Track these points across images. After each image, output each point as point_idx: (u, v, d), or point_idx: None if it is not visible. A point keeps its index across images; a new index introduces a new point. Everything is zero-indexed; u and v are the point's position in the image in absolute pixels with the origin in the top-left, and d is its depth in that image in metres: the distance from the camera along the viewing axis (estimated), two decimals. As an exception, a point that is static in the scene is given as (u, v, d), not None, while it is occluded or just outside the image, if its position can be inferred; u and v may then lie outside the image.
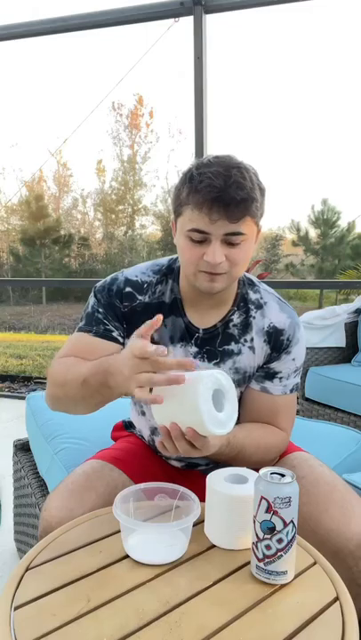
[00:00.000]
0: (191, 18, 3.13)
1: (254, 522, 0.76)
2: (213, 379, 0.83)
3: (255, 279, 1.12)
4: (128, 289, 1.06)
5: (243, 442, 0.98)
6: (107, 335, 1.06)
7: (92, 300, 1.09)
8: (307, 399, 2.69)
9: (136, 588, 0.74)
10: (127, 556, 0.81)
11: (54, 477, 1.40)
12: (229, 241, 0.93)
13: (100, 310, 1.07)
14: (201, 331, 1.06)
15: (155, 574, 0.77)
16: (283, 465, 1.08)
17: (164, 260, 1.11)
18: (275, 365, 1.07)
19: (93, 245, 28.25)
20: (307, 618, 0.69)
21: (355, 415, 2.48)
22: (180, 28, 3.21)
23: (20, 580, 0.76)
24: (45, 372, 5.76)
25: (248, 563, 0.78)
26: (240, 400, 1.10)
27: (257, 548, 0.75)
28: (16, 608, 0.70)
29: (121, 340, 1.07)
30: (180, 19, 3.19)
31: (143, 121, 27.26)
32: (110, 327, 1.06)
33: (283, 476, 0.76)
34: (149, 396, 0.79)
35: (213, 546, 0.84)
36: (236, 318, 1.07)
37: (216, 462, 1.14)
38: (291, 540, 0.74)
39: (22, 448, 1.73)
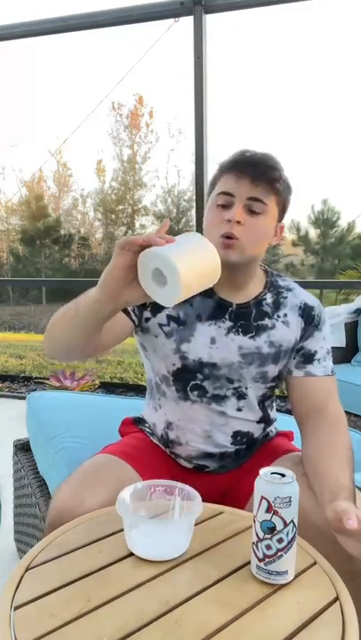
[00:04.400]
0: (191, 18, 3.13)
1: (254, 521, 0.76)
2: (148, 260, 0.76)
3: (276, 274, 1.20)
4: None
5: (340, 472, 0.95)
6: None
7: None
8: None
9: (136, 587, 0.74)
10: (127, 556, 0.81)
11: (55, 477, 1.40)
12: (251, 207, 1.01)
13: None
14: (234, 305, 1.10)
15: (155, 574, 0.77)
16: (284, 464, 1.08)
17: None
18: (309, 344, 1.13)
19: (93, 245, 28.26)
20: (307, 618, 0.69)
21: (355, 415, 2.48)
22: (180, 27, 3.21)
23: (20, 580, 0.76)
24: (45, 371, 5.76)
25: (248, 562, 0.78)
26: (292, 397, 1.13)
27: (257, 548, 0.76)
28: (16, 608, 0.70)
29: (131, 314, 1.08)
30: (180, 19, 3.19)
31: (143, 121, 27.27)
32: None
33: (283, 475, 0.76)
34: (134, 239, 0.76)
35: (214, 546, 0.84)
36: (269, 299, 1.13)
37: (223, 463, 1.15)
38: (291, 539, 0.74)
39: (22, 448, 1.73)
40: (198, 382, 1.10)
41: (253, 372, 1.10)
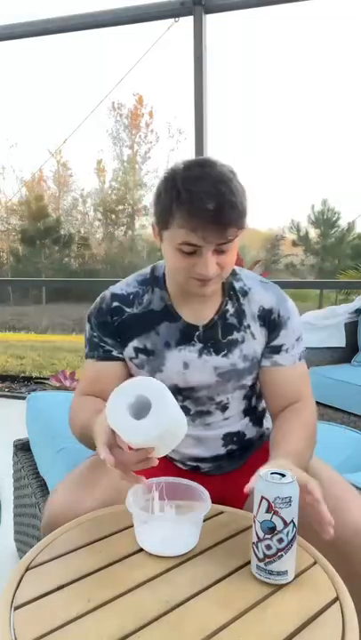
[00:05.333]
0: (191, 18, 3.13)
1: (255, 521, 0.76)
2: (130, 388, 0.82)
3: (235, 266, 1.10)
4: (115, 303, 1.09)
5: (297, 447, 0.99)
6: (108, 357, 1.09)
7: (87, 325, 1.12)
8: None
9: (136, 587, 0.74)
10: (127, 556, 0.81)
11: (54, 477, 1.40)
12: (220, 249, 0.94)
13: (95, 334, 1.10)
14: (200, 327, 1.07)
15: (155, 574, 0.77)
16: None
17: (147, 270, 1.13)
18: (276, 341, 1.09)
19: (93, 245, 28.25)
20: (307, 618, 0.69)
21: (355, 415, 2.48)
22: (180, 28, 3.21)
23: (20, 580, 0.76)
24: (45, 371, 5.77)
25: (248, 562, 0.78)
26: (263, 386, 1.12)
27: (257, 548, 0.76)
28: (16, 608, 0.70)
29: (121, 356, 1.09)
30: (180, 19, 3.20)
31: (143, 121, 27.26)
32: (108, 347, 1.09)
33: (283, 475, 0.76)
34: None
35: (214, 546, 0.84)
36: (231, 307, 1.08)
37: (218, 464, 1.15)
38: (291, 539, 0.74)
39: (22, 448, 1.73)
40: (180, 403, 1.08)
41: (232, 387, 1.10)
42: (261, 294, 1.09)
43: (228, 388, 1.09)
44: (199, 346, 1.07)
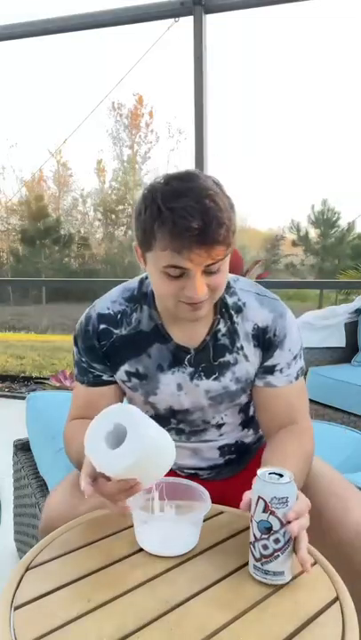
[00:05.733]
0: (191, 18, 3.13)
1: (251, 521, 0.76)
2: (107, 417, 0.80)
3: (229, 277, 1.01)
4: (102, 326, 1.03)
5: (293, 471, 0.90)
6: (98, 382, 1.06)
7: (74, 348, 1.08)
8: (307, 399, 2.69)
9: (136, 587, 0.74)
10: (127, 556, 0.81)
11: (54, 477, 1.40)
12: (210, 270, 0.87)
13: (83, 359, 1.05)
14: (192, 350, 1.02)
15: (155, 574, 0.77)
16: None
17: (134, 283, 1.06)
18: (270, 362, 1.03)
19: (93, 245, 28.24)
20: (307, 618, 0.69)
21: (355, 415, 2.48)
22: (180, 28, 3.21)
23: (20, 580, 0.76)
24: (45, 371, 5.76)
25: (247, 563, 0.78)
26: (256, 405, 1.08)
27: (254, 548, 0.76)
28: (16, 608, 0.70)
29: (113, 379, 1.06)
30: (180, 19, 3.20)
31: (143, 121, 27.25)
32: (98, 373, 1.05)
33: (281, 476, 0.76)
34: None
35: (213, 546, 0.84)
36: (223, 326, 1.02)
37: (216, 471, 1.14)
38: (288, 540, 0.74)
39: (22, 448, 1.73)
40: (174, 426, 1.08)
41: (226, 408, 1.07)
42: (256, 311, 1.01)
43: (221, 409, 1.06)
44: (190, 370, 1.02)
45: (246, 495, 0.78)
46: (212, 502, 0.86)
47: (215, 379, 1.03)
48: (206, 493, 0.86)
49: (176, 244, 0.83)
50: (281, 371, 1.03)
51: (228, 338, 1.02)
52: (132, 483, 0.77)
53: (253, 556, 0.76)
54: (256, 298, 1.03)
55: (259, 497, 0.74)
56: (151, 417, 1.06)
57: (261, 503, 0.74)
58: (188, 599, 0.72)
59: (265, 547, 0.74)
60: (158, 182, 0.87)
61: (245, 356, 1.02)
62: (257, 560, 0.75)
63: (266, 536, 0.74)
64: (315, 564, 0.80)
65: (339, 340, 2.87)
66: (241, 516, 0.94)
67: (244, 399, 1.08)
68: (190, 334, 1.02)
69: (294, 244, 23.54)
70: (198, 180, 0.86)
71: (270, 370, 1.04)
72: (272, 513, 0.73)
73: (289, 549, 0.75)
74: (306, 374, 2.73)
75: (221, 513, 0.94)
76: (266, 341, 1.02)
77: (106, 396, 1.05)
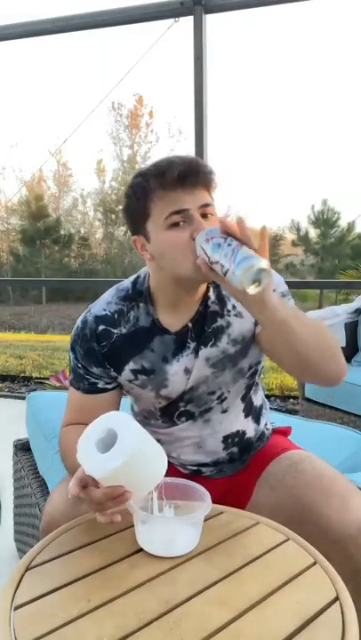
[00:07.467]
0: (191, 18, 3.13)
1: (209, 261, 0.85)
2: (100, 423, 0.82)
3: None
4: (101, 327, 1.04)
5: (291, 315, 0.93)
6: (93, 390, 1.07)
7: (70, 354, 1.09)
8: (307, 399, 2.69)
9: (136, 587, 0.74)
10: (127, 556, 0.81)
11: (54, 477, 1.41)
12: (204, 213, 0.95)
13: (80, 365, 1.06)
14: (190, 325, 1.04)
15: (155, 574, 0.77)
16: (283, 462, 1.08)
17: (127, 283, 1.09)
18: None
19: (93, 245, 28.25)
20: (307, 618, 0.69)
21: (355, 415, 2.48)
22: (180, 28, 3.21)
23: (20, 580, 0.76)
24: (45, 371, 5.77)
25: (248, 563, 0.78)
26: (269, 352, 1.06)
27: (222, 261, 0.83)
28: (16, 608, 0.70)
29: (110, 386, 1.07)
30: (180, 19, 3.19)
31: (143, 121, 27.27)
32: (93, 380, 1.06)
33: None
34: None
35: (213, 546, 0.84)
36: (213, 294, 1.05)
37: (219, 468, 1.14)
38: (236, 242, 0.83)
39: (22, 448, 1.74)
40: (183, 409, 1.09)
41: (230, 376, 1.07)
42: None
43: (226, 376, 1.07)
44: (194, 344, 1.04)
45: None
46: (213, 502, 0.86)
47: (213, 345, 1.04)
48: (207, 493, 0.86)
49: (169, 190, 0.93)
50: None
51: (217, 304, 1.05)
52: (120, 490, 0.79)
53: (223, 270, 0.83)
54: None
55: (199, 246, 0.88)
56: (163, 406, 1.07)
57: (202, 241, 0.87)
58: (188, 599, 0.72)
59: (225, 255, 0.82)
60: (144, 167, 1.00)
61: (239, 314, 1.05)
62: (230, 264, 0.81)
63: (218, 250, 0.83)
64: (315, 564, 0.80)
65: (339, 340, 2.87)
66: (241, 515, 0.94)
67: (245, 364, 1.08)
68: (183, 316, 1.05)
69: (294, 243, 23.52)
70: (188, 157, 0.98)
71: None
72: (211, 239, 0.85)
73: (243, 247, 0.82)
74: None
75: (221, 513, 0.94)
76: None
77: (100, 403, 1.05)
